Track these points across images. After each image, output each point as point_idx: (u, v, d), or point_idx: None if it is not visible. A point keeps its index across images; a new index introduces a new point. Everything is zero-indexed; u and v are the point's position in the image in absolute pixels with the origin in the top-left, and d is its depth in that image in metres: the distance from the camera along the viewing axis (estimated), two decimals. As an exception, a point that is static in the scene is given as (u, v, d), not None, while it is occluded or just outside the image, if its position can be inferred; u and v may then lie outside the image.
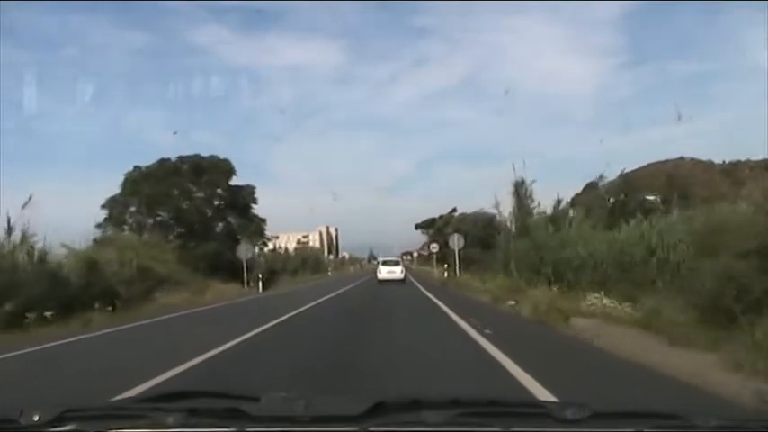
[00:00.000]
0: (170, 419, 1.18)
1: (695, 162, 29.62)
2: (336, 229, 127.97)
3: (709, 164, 30.11)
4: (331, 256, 77.06)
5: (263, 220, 36.25)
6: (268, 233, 40.83)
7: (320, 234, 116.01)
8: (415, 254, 79.28)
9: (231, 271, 26.77)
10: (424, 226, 65.21)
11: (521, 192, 18.40)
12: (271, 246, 45.83)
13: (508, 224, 19.28)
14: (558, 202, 17.66)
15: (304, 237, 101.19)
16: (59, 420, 1.18)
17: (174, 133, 50.93)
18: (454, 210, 54.13)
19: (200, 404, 1.29)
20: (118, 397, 3.37)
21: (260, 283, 27.18)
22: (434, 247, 39.38)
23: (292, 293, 22.65)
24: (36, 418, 1.18)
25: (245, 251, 26.82)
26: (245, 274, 25.79)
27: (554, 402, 1.93)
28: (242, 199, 34.69)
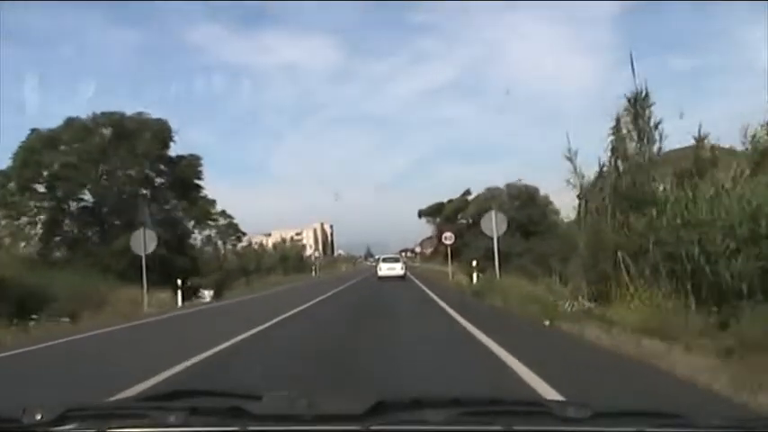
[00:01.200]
0: (172, 418, 1.52)
1: (715, 147, 30.49)
2: (331, 227, 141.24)
3: (731, 150, 31.52)
4: (317, 253, 77.31)
5: (212, 202, 33.97)
6: (259, 230, 40.67)
7: (314, 231, 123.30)
8: (418, 249, 77.59)
9: (166, 272, 23.64)
10: (430, 213, 63.26)
11: (640, 117, 11.83)
12: (245, 242, 45.97)
13: (597, 188, 12.70)
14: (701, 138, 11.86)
15: (297, 234, 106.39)
16: (62, 420, 1.51)
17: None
18: (468, 192, 52.34)
19: (201, 403, 1.61)
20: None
21: (179, 293, 22.86)
22: (448, 237, 34.69)
23: (225, 313, 18.44)
24: (38, 418, 1.51)
25: (142, 241, 20.96)
26: (144, 277, 20.42)
27: (556, 401, 2.20)
28: (181, 173, 31.97)
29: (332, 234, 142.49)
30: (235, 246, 38.09)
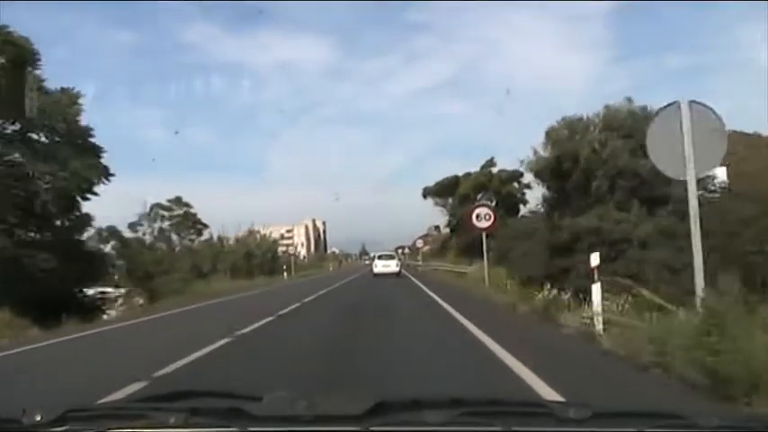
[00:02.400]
0: (172, 419, 1.67)
1: (740, 134, 31.87)
2: (324, 223, 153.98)
3: (757, 136, 33.80)
4: (290, 249, 77.32)
5: (96, 168, 24.97)
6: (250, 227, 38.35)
7: (306, 228, 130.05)
8: (420, 244, 74.72)
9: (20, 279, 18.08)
10: (438, 192, 53.41)
11: None
12: (206, 235, 44.45)
13: None
14: None
15: (288, 231, 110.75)
16: (61, 420, 1.70)
17: (176, 132, 54.90)
18: (491, 162, 45.47)
19: (201, 404, 1.82)
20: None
21: None
22: (483, 217, 24.25)
23: None
24: (38, 418, 1.69)
25: None
26: None
27: (556, 402, 2.51)
28: (45, 117, 22.97)
29: (324, 231, 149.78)
30: (193, 241, 36.85)
